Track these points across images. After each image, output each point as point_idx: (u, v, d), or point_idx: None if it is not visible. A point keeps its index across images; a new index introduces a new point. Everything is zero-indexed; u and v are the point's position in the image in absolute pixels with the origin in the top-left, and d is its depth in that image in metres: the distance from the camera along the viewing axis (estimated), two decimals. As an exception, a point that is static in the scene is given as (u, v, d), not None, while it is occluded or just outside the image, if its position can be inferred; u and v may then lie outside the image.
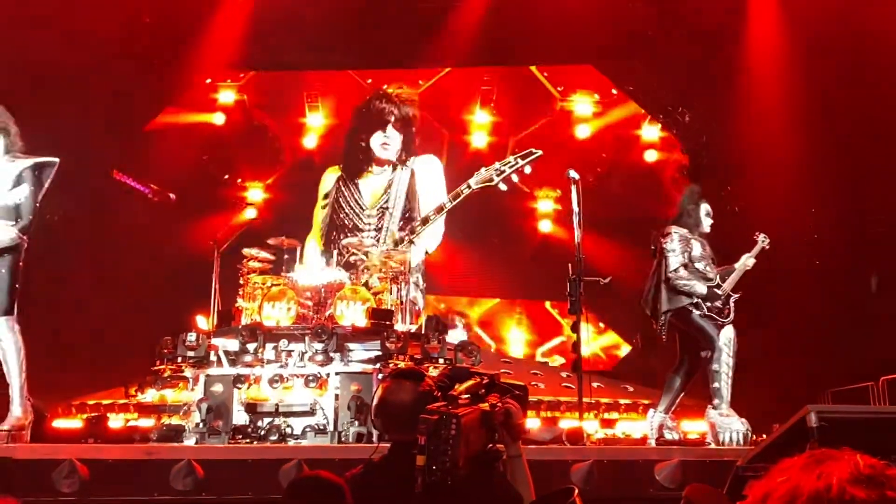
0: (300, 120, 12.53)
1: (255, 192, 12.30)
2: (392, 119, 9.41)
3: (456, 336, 10.34)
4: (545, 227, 12.58)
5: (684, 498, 3.16)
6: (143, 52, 10.81)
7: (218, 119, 12.17)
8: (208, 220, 10.41)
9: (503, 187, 8.40)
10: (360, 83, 12.22)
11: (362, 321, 7.40)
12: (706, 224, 7.28)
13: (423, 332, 7.65)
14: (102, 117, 10.74)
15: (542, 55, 11.50)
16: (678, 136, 11.41)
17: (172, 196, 8.53)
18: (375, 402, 3.03)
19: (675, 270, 7.05)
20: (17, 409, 5.69)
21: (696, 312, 6.98)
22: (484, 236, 11.81)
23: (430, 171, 9.85)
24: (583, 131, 12.52)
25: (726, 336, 6.88)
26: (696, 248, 7.16)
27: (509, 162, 8.36)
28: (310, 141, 12.60)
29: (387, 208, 9.29)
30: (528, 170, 8.30)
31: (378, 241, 8.79)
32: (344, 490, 2.81)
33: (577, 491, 2.72)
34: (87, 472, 4.78)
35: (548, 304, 12.50)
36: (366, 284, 7.83)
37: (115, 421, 7.62)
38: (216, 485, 4.85)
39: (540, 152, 8.24)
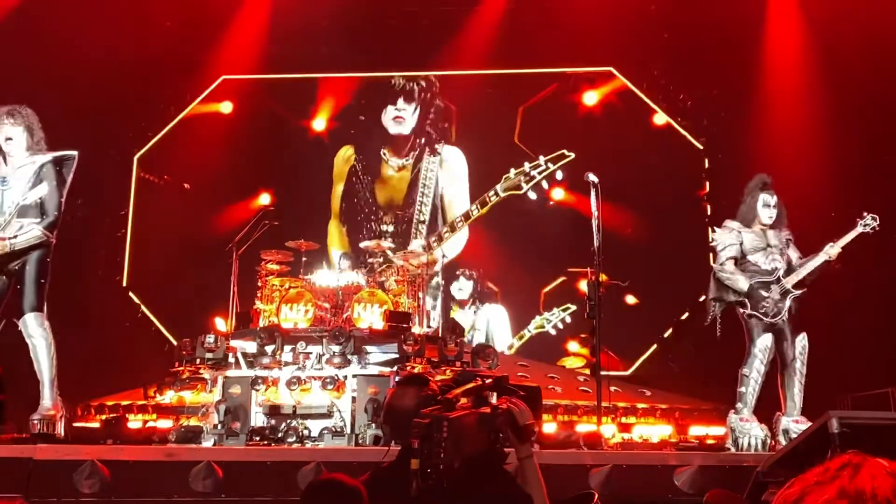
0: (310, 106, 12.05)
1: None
2: (403, 89, 9.10)
3: (463, 288, 10.10)
4: (557, 195, 11.11)
5: (705, 503, 3.15)
6: (162, 54, 10.88)
7: (225, 108, 11.92)
8: (228, 212, 10.36)
9: (532, 195, 8.06)
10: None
11: (379, 324, 7.40)
12: (764, 215, 6.96)
13: (440, 335, 7.65)
14: (123, 116, 10.85)
15: (560, 58, 11.40)
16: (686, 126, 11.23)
17: (187, 185, 8.58)
18: (384, 408, 3.06)
19: (721, 264, 6.96)
20: (48, 401, 5.78)
21: (740, 310, 6.86)
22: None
23: (454, 167, 9.64)
24: (591, 98, 11.58)
25: (763, 343, 6.71)
26: (750, 241, 6.96)
27: (539, 166, 7.99)
28: (319, 124, 11.89)
29: (410, 210, 9.19)
30: (559, 175, 7.96)
31: (399, 243, 8.70)
32: (361, 493, 2.82)
33: (596, 496, 2.71)
34: (108, 473, 4.81)
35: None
36: (382, 287, 7.84)
37: (134, 422, 7.67)
38: (235, 486, 4.87)
39: (572, 155, 7.92)
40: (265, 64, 11.64)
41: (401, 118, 9.28)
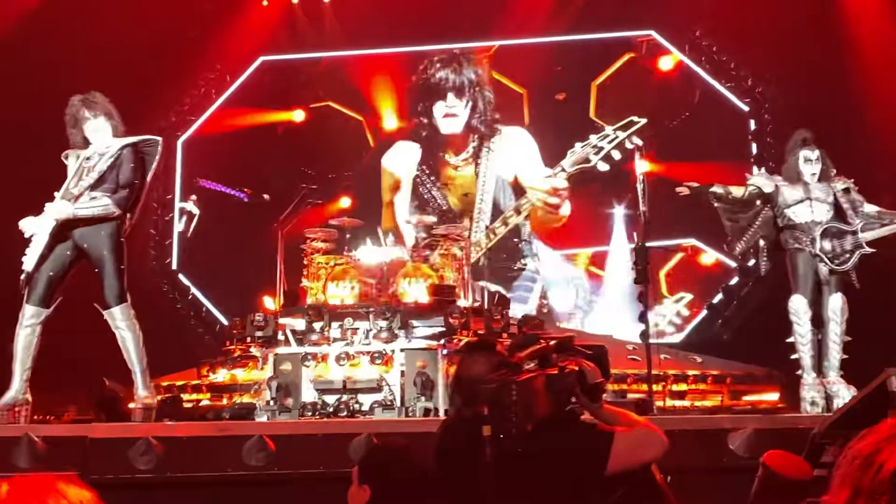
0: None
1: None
2: (452, 84, 8.93)
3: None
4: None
5: (762, 465, 3.09)
6: (201, 36, 10.96)
7: (298, 116, 11.95)
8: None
9: (603, 167, 7.54)
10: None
11: (425, 298, 7.41)
12: (806, 172, 6.89)
13: (485, 307, 7.63)
14: (166, 101, 10.97)
15: (601, 24, 11.21)
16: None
17: (266, 197, 8.65)
18: (452, 378, 3.02)
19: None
20: (143, 391, 5.90)
21: (791, 245, 6.81)
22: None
23: (519, 147, 9.41)
24: (667, 63, 11.19)
25: (793, 306, 6.63)
26: (789, 194, 6.82)
27: (607, 135, 7.47)
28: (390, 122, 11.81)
29: (473, 207, 9.03)
30: (629, 144, 7.32)
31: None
32: (416, 458, 2.82)
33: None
34: (161, 450, 4.90)
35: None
36: (426, 261, 7.83)
37: (189, 401, 7.80)
38: (288, 460, 4.93)
39: (643, 120, 7.42)
40: (302, 43, 11.69)
41: (452, 115, 9.06)
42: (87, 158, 6.02)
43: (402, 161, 10.31)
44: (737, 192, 7.03)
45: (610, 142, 7.44)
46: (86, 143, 6.14)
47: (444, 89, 9.16)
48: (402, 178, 10.29)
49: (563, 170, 7.70)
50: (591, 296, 10.77)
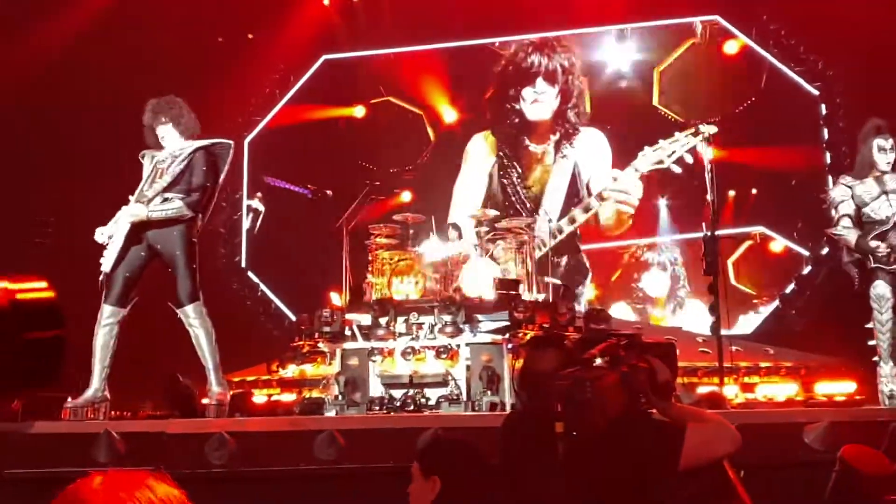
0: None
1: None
2: (543, 69, 8.81)
3: None
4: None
5: (840, 459, 3.01)
6: (264, 37, 11.13)
7: (358, 112, 12.09)
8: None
9: (676, 169, 7.63)
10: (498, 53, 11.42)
11: (489, 292, 7.40)
12: (881, 161, 6.56)
13: (550, 300, 7.59)
14: (231, 101, 11.18)
15: (664, 9, 11.02)
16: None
17: (329, 192, 8.76)
18: (518, 373, 3.01)
19: (835, 224, 6.68)
20: (216, 386, 6.04)
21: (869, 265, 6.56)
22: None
23: (595, 148, 9.40)
24: (732, 46, 10.98)
25: (875, 292, 6.40)
26: (862, 192, 6.58)
27: (678, 140, 7.56)
28: (450, 115, 11.78)
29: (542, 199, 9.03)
30: (704, 149, 7.17)
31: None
32: (479, 451, 2.82)
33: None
34: (234, 445, 5.00)
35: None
36: (490, 255, 7.83)
37: (259, 396, 7.96)
38: (358, 454, 4.97)
39: (713, 129, 7.29)
40: (363, 41, 11.77)
41: (539, 101, 8.98)
42: (161, 161, 6.17)
43: (476, 156, 10.30)
44: (848, 233, 6.66)
45: (682, 146, 7.43)
46: (160, 145, 6.28)
47: (534, 74, 9.05)
48: (474, 172, 10.31)
49: (637, 170, 7.64)
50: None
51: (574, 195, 9.92)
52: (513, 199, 9.80)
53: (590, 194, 9.57)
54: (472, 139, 10.45)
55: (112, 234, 6.00)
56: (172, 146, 6.20)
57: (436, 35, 11.60)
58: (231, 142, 6.42)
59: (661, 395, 2.56)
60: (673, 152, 7.50)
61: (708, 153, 6.70)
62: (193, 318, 6.00)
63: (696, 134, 7.45)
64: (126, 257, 6.01)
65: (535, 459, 2.71)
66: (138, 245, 6.05)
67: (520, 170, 9.89)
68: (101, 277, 6.02)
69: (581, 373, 2.46)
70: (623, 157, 9.75)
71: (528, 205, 9.77)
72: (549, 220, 9.57)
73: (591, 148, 9.81)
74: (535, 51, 9.16)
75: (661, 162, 7.53)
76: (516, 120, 9.50)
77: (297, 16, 11.33)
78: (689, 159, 7.39)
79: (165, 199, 6.03)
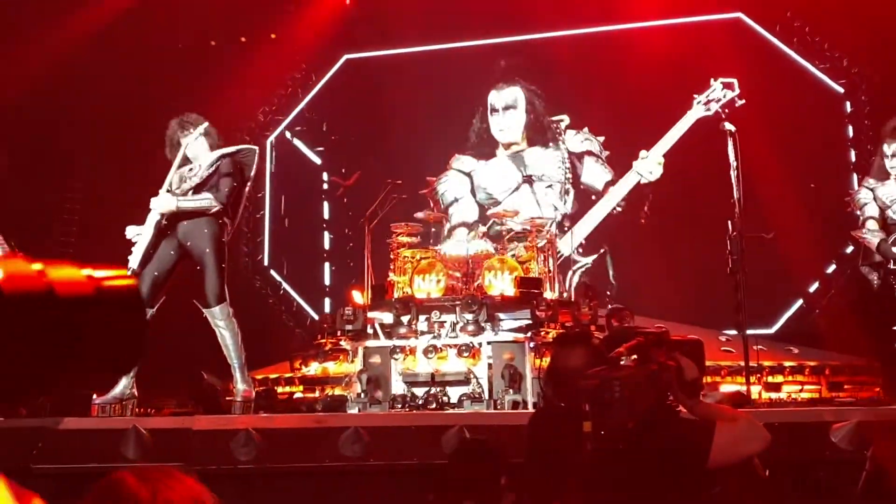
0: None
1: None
2: (500, 104, 9.20)
3: None
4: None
5: (869, 458, 2.99)
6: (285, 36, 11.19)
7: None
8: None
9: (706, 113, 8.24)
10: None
11: (511, 290, 7.41)
12: (893, 168, 6.60)
13: (573, 299, 7.59)
14: (252, 99, 11.24)
15: (683, 8, 10.95)
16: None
17: (348, 182, 8.87)
18: (546, 370, 3.01)
19: (861, 226, 6.62)
20: (242, 384, 6.10)
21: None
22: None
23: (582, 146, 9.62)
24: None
25: None
26: (884, 194, 6.51)
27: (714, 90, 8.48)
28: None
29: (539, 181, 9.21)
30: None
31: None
32: (501, 456, 2.84)
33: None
34: (261, 441, 5.04)
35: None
36: (513, 255, 7.83)
37: (282, 394, 7.99)
38: (382, 451, 5.00)
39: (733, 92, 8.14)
40: (384, 40, 11.79)
41: (504, 130, 9.40)
42: (189, 169, 6.23)
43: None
44: (872, 235, 6.61)
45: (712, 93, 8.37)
46: (185, 160, 6.32)
47: (493, 108, 9.31)
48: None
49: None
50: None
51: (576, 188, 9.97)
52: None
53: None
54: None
55: (139, 232, 6.05)
56: (199, 156, 6.24)
57: (462, 33, 11.58)
58: (255, 148, 6.49)
59: (688, 394, 2.56)
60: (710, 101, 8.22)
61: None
62: (220, 320, 6.04)
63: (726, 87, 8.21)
64: (155, 256, 6.06)
65: (559, 457, 2.71)
66: (168, 243, 6.09)
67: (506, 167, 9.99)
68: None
69: (609, 371, 2.46)
70: (622, 158, 9.83)
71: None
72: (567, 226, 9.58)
73: (576, 145, 9.92)
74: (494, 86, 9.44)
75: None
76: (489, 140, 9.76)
77: (318, 15, 11.37)
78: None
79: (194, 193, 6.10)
